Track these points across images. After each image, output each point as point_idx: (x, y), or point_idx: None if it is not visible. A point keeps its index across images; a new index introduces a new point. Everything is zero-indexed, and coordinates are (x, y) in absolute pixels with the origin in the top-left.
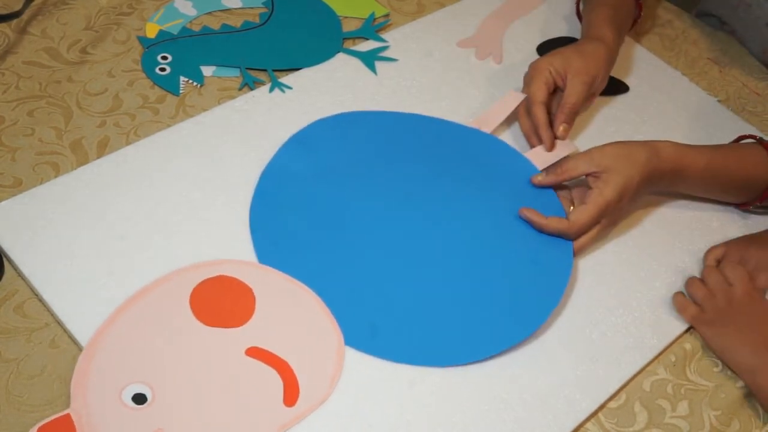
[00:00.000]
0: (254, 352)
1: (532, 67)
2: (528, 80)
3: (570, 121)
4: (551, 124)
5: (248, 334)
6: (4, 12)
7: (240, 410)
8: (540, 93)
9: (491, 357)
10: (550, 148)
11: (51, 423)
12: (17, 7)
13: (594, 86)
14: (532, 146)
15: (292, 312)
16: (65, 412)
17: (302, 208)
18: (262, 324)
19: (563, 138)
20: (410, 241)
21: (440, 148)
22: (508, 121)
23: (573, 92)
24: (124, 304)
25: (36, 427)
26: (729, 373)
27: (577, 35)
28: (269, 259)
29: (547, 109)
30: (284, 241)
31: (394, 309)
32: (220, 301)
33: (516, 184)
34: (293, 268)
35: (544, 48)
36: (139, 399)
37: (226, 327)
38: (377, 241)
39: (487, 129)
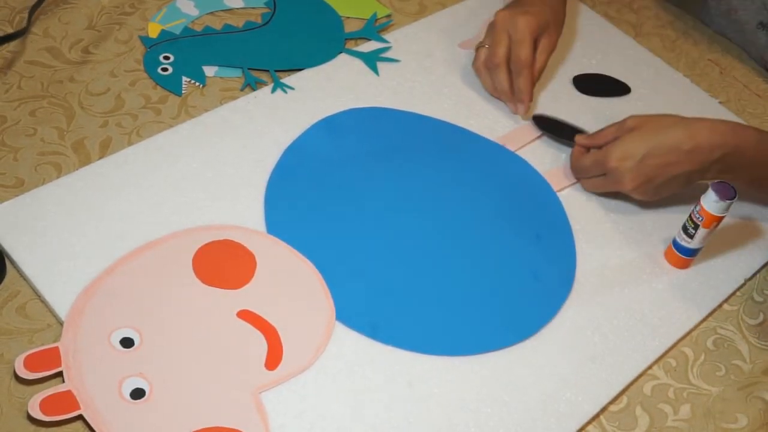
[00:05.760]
0: (245, 315)
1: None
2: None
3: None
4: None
5: (243, 297)
6: (8, 22)
7: (221, 367)
8: (502, 52)
9: (490, 357)
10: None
11: (39, 353)
12: (19, 6)
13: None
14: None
15: (289, 282)
16: (54, 344)
17: (318, 189)
18: (258, 289)
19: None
20: (417, 239)
21: (462, 158)
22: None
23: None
24: (130, 254)
25: (24, 355)
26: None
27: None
28: (277, 231)
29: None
30: (295, 216)
31: (392, 296)
32: (222, 263)
33: (530, 202)
34: (299, 243)
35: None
36: (127, 343)
37: (222, 288)
38: (385, 234)
39: (512, 147)
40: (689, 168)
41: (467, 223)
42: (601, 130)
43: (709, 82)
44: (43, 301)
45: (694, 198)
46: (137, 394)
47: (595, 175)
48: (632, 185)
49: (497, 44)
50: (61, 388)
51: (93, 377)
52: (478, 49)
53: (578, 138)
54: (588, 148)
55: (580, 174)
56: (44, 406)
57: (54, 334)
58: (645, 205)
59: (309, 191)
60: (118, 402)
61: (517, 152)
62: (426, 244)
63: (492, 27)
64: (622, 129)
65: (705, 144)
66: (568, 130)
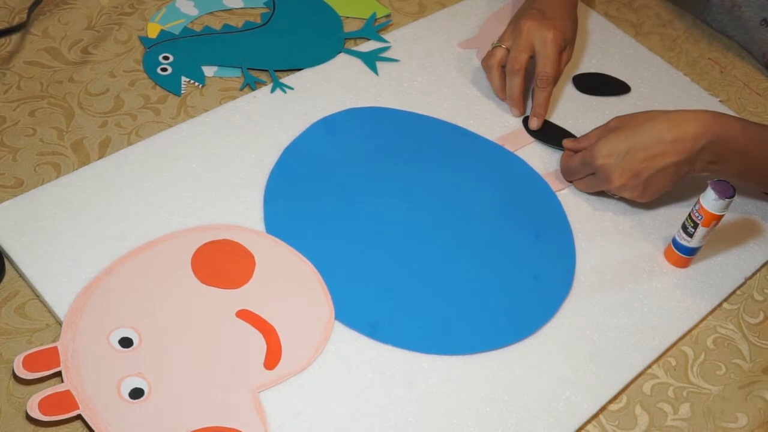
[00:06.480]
0: (244, 315)
1: (520, 29)
2: (517, 42)
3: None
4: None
5: (242, 297)
6: (7, 23)
7: (220, 366)
8: (525, 59)
9: (489, 356)
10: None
11: (38, 353)
12: (18, 7)
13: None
14: (502, 99)
15: (288, 281)
16: (53, 344)
17: (317, 189)
18: (257, 289)
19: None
20: (417, 239)
21: (462, 158)
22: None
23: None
24: (129, 254)
25: (23, 355)
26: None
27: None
28: (277, 231)
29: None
30: (294, 216)
31: (391, 296)
32: (221, 263)
33: (529, 201)
34: (298, 243)
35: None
36: (126, 342)
37: (221, 287)
38: (385, 233)
39: (511, 147)
40: (675, 158)
41: (467, 223)
42: (587, 133)
43: (709, 81)
44: (42, 301)
45: (693, 196)
46: (136, 393)
47: (584, 175)
48: (620, 181)
49: (522, 50)
50: (59, 387)
51: (92, 377)
52: (494, 48)
53: (565, 142)
54: (575, 151)
55: (569, 176)
56: (43, 406)
57: (53, 334)
58: (644, 204)
59: (308, 191)
60: (117, 402)
61: (516, 152)
62: (425, 244)
63: (516, 31)
64: (606, 129)
65: (688, 133)
66: (557, 133)
